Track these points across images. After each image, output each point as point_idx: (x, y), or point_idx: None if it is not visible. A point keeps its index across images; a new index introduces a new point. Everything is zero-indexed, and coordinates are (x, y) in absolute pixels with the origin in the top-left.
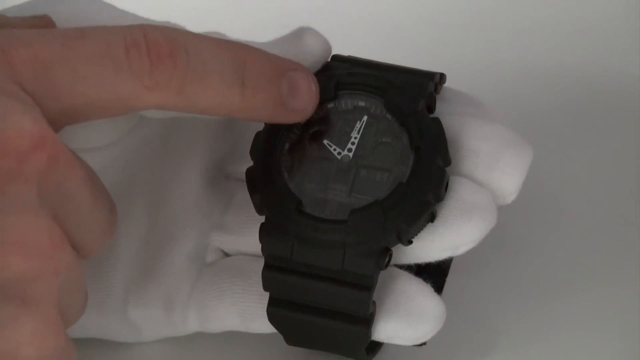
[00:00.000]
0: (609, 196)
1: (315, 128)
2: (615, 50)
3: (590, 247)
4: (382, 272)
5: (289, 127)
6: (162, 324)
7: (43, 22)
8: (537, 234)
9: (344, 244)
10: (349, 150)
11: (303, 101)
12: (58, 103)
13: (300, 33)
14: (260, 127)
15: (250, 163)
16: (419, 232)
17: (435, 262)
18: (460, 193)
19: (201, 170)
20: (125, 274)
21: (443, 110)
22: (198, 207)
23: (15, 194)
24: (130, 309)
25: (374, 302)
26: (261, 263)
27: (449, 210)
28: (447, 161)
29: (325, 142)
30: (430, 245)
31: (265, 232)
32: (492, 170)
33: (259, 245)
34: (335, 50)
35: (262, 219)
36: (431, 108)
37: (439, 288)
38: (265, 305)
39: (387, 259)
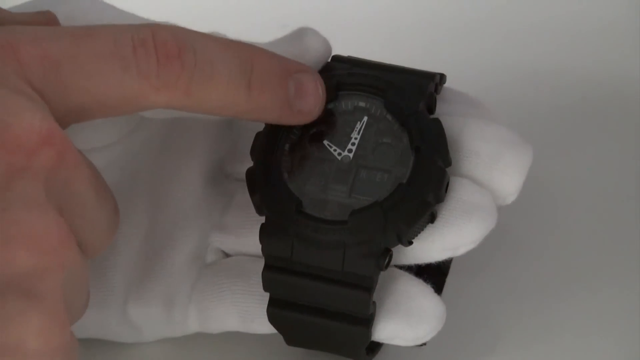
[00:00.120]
0: (609, 196)
1: (315, 129)
2: (615, 52)
3: (590, 247)
4: (382, 273)
5: (289, 128)
6: (162, 324)
7: (46, 19)
8: (537, 234)
9: (344, 245)
10: (349, 150)
11: (309, 103)
12: (65, 101)
13: (300, 33)
14: (261, 127)
15: (251, 163)
16: (419, 232)
17: (436, 262)
18: (461, 194)
19: (201, 170)
20: (126, 274)
21: (443, 111)
22: (198, 207)
23: (24, 190)
24: (131, 309)
25: (374, 303)
26: (261, 263)
27: (449, 210)
28: (448, 162)
29: (325, 142)
30: (430, 245)
31: (265, 233)
32: (492, 171)
33: (259, 246)
34: (336, 51)
35: (262, 219)
36: (431, 108)
37: (439, 288)
38: (265, 305)
39: (387, 260)
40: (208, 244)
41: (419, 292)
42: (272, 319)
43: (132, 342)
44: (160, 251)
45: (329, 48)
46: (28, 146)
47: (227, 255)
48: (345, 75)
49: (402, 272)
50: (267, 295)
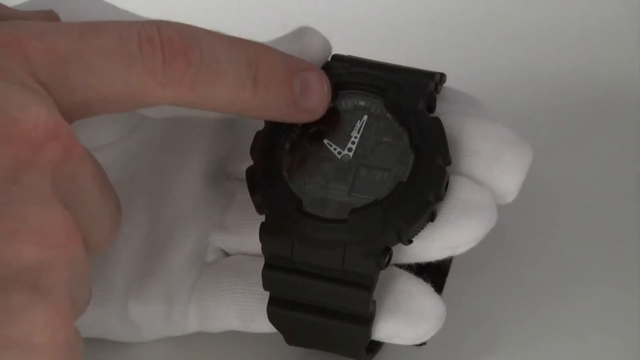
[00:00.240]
0: (609, 196)
1: (315, 128)
2: (615, 52)
3: (590, 247)
4: (382, 272)
5: (290, 127)
6: (162, 324)
7: (49, 17)
8: (537, 233)
9: (344, 243)
10: (349, 149)
11: (315, 101)
12: (71, 96)
13: (300, 33)
14: (261, 126)
15: (251, 162)
16: (419, 231)
17: (436, 261)
18: (461, 192)
19: (202, 170)
20: (126, 273)
21: (443, 110)
22: (198, 206)
23: (30, 184)
24: (131, 308)
25: (374, 302)
26: (261, 263)
27: (449, 209)
28: (447, 160)
29: (325, 141)
30: (430, 244)
31: (265, 232)
32: (492, 170)
33: (259, 245)
34: (336, 50)
35: (263, 218)
36: (431, 108)
37: (439, 288)
38: (265, 305)
39: (387, 259)
40: (208, 243)
41: (419, 291)
42: (272, 318)
43: (132, 342)
44: (160, 250)
45: (329, 47)
46: (35, 140)
47: (227, 254)
48: (345, 75)
49: (402, 271)
50: (267, 295)
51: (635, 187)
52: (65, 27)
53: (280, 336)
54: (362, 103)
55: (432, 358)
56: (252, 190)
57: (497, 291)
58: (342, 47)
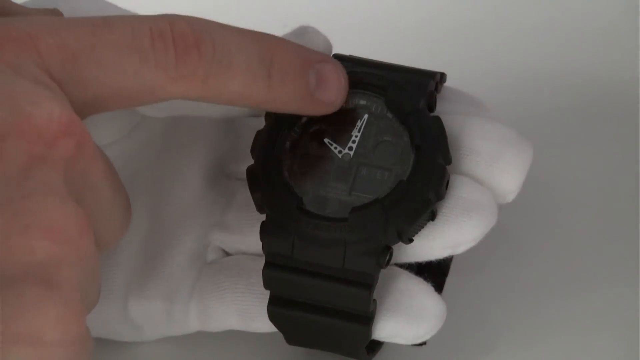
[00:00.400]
0: (609, 196)
1: (316, 127)
2: (615, 52)
3: (590, 246)
4: (382, 271)
5: (290, 126)
6: (162, 323)
7: (53, 14)
8: (537, 233)
9: (345, 242)
10: (350, 148)
11: (331, 93)
12: (83, 92)
13: (301, 32)
14: (261, 125)
15: (251, 162)
16: (420, 230)
17: (436, 261)
18: (461, 191)
19: (202, 169)
20: (126, 273)
21: (444, 109)
22: (199, 206)
23: (43, 179)
24: (131, 308)
25: (374, 301)
26: (262, 262)
27: (449, 208)
28: (448, 160)
29: (326, 140)
30: (430, 243)
31: (266, 231)
32: (492, 169)
33: (260, 244)
34: (336, 50)
35: (263, 217)
36: (432, 107)
37: (439, 287)
38: (266, 304)
39: (387, 258)
40: (209, 242)
41: (419, 290)
42: (273, 317)
43: (132, 341)
44: (161, 250)
45: (329, 47)
46: (48, 136)
47: (227, 254)
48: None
49: (402, 270)
50: (267, 294)
51: (635, 187)
52: (77, 22)
53: (281, 336)
54: (362, 102)
55: (432, 358)
56: (253, 190)
57: (497, 290)
58: (342, 46)
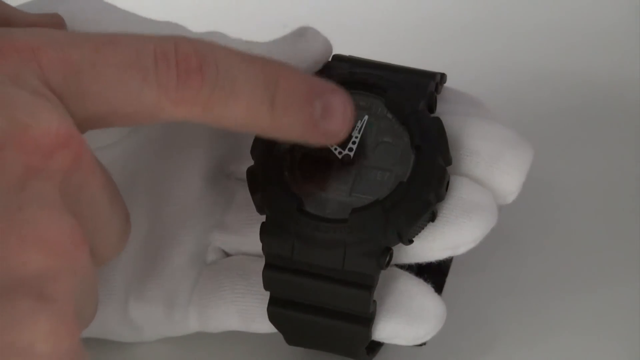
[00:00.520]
0: (609, 196)
1: None
2: (615, 53)
3: (590, 247)
4: (382, 272)
5: None
6: (162, 324)
7: (53, 21)
8: (537, 233)
9: (345, 243)
10: (350, 149)
11: (336, 124)
12: (84, 107)
13: (301, 33)
14: None
15: (251, 162)
16: (420, 231)
17: (436, 261)
18: (461, 192)
19: (202, 170)
20: (126, 274)
21: (444, 110)
22: (199, 206)
23: (39, 191)
24: (131, 309)
25: (374, 302)
26: (262, 263)
27: (449, 209)
28: (448, 160)
29: None
30: (430, 244)
31: (266, 232)
32: (492, 170)
33: (260, 245)
34: (336, 50)
35: (263, 218)
36: (432, 108)
37: (439, 288)
38: (266, 305)
39: (387, 259)
40: (208, 243)
41: (419, 291)
42: (273, 318)
43: (132, 342)
44: (160, 251)
45: (329, 47)
46: (45, 148)
47: (227, 254)
48: (346, 75)
49: (402, 271)
50: (267, 295)
51: (635, 187)
52: (82, 38)
53: (280, 336)
54: (362, 103)
55: (432, 358)
56: (253, 190)
57: (497, 291)
58: (342, 46)
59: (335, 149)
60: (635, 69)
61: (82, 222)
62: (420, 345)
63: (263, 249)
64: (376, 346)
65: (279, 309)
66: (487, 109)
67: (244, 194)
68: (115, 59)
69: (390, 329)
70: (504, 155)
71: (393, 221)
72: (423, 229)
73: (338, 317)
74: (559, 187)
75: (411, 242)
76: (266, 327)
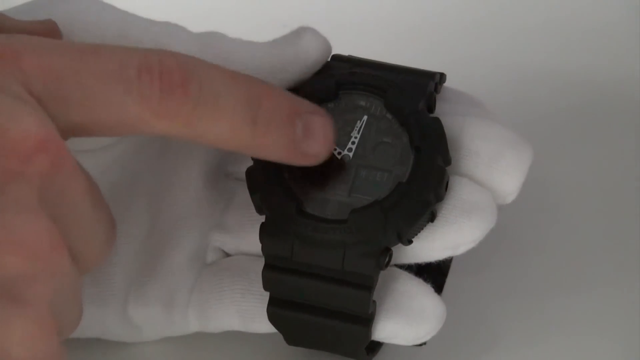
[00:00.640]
0: (609, 196)
1: None
2: (615, 52)
3: (590, 247)
4: (382, 272)
5: None
6: (162, 324)
7: (47, 28)
8: (537, 234)
9: (344, 244)
10: (349, 150)
11: (316, 146)
12: (65, 115)
13: (300, 33)
14: None
15: (251, 163)
16: (419, 231)
17: (436, 262)
18: (461, 193)
19: (201, 170)
20: (126, 274)
21: (443, 110)
22: (198, 207)
23: (16, 194)
24: (131, 309)
25: (374, 302)
26: (261, 263)
27: (449, 209)
28: (448, 161)
29: None
30: (430, 245)
31: (265, 232)
32: (492, 170)
33: (259, 245)
34: (336, 50)
35: (263, 218)
36: (431, 108)
37: (439, 288)
38: (265, 305)
39: (387, 259)
40: (208, 243)
41: (419, 291)
42: (272, 318)
43: (132, 342)
44: (160, 251)
45: (329, 47)
46: (23, 151)
47: (227, 254)
48: (345, 75)
49: (402, 271)
50: (267, 295)
51: (635, 187)
52: (66, 45)
53: (280, 336)
54: (362, 103)
55: (432, 358)
56: (252, 191)
57: (497, 291)
58: (342, 46)
59: (335, 149)
60: (635, 69)
61: (63, 227)
62: (420, 345)
63: (262, 249)
64: (376, 346)
65: (279, 309)
66: (487, 109)
67: (243, 194)
68: (98, 68)
69: (390, 329)
70: (503, 156)
71: (392, 221)
72: (422, 229)
73: (338, 317)
74: (559, 187)
75: (411, 242)
76: (266, 327)
